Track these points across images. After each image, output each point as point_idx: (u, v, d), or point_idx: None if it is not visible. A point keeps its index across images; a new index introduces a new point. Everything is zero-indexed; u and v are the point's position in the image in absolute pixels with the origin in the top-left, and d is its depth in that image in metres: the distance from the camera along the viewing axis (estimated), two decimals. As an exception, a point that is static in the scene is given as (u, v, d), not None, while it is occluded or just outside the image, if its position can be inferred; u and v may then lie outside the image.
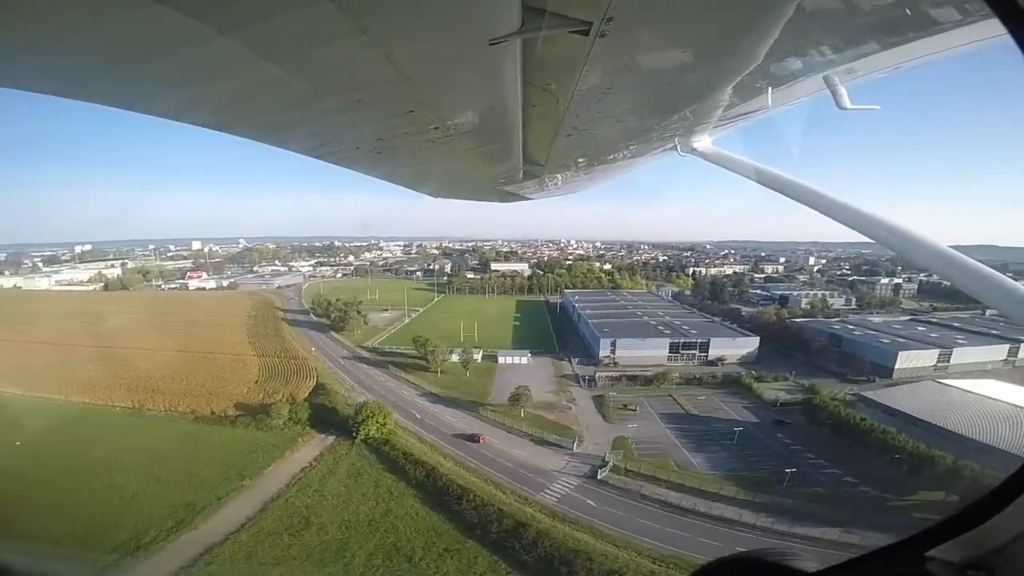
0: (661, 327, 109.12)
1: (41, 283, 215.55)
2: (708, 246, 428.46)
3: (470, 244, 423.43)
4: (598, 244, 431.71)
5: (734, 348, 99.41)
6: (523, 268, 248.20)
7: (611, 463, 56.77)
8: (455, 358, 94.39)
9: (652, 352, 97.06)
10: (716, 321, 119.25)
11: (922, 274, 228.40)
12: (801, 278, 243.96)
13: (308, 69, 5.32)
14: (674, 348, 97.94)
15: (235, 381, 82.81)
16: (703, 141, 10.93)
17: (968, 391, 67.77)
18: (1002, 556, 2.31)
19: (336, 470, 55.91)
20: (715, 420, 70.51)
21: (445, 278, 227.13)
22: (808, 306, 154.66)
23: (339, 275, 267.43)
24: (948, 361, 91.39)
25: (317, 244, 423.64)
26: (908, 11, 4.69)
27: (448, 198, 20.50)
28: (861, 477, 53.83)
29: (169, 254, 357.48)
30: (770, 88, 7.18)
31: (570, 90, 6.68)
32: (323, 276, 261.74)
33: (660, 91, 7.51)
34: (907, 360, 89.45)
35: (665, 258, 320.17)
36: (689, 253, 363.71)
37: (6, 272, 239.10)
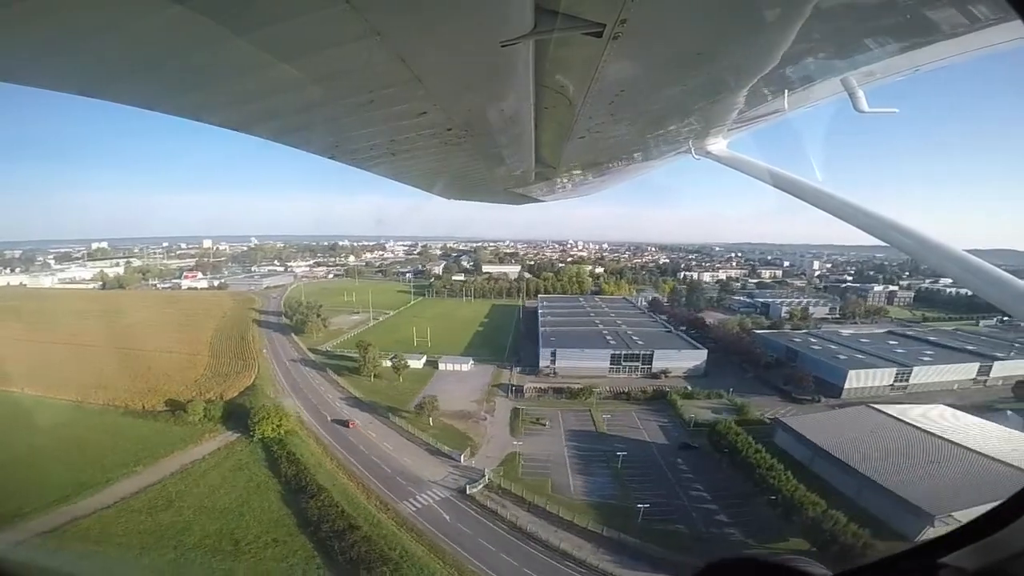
0: (609, 337, 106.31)
1: (45, 281, 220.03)
2: (717, 248, 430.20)
3: (476, 245, 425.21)
4: (605, 246, 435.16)
5: (680, 361, 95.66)
6: (514, 271, 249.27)
7: (487, 479, 56.57)
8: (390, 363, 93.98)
9: (593, 363, 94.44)
10: (673, 331, 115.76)
11: (927, 280, 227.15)
12: (798, 283, 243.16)
13: (323, 70, 5.37)
14: (615, 360, 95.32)
15: (178, 379, 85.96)
16: (718, 144, 10.89)
17: (901, 419, 61.96)
18: (1017, 564, 2.35)
19: (223, 464, 60.48)
20: (620, 440, 66.83)
21: (433, 280, 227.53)
22: (787, 315, 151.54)
23: (331, 276, 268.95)
24: (907, 380, 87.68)
25: (325, 243, 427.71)
26: (928, 13, 4.62)
27: (460, 199, 20.47)
28: (735, 518, 49.22)
29: (178, 252, 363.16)
30: (786, 91, 7.13)
31: (583, 92, 6.66)
32: (315, 277, 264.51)
33: (674, 93, 7.47)
34: (858, 379, 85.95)
35: (666, 261, 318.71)
36: (694, 256, 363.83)
37: (17, 269, 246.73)
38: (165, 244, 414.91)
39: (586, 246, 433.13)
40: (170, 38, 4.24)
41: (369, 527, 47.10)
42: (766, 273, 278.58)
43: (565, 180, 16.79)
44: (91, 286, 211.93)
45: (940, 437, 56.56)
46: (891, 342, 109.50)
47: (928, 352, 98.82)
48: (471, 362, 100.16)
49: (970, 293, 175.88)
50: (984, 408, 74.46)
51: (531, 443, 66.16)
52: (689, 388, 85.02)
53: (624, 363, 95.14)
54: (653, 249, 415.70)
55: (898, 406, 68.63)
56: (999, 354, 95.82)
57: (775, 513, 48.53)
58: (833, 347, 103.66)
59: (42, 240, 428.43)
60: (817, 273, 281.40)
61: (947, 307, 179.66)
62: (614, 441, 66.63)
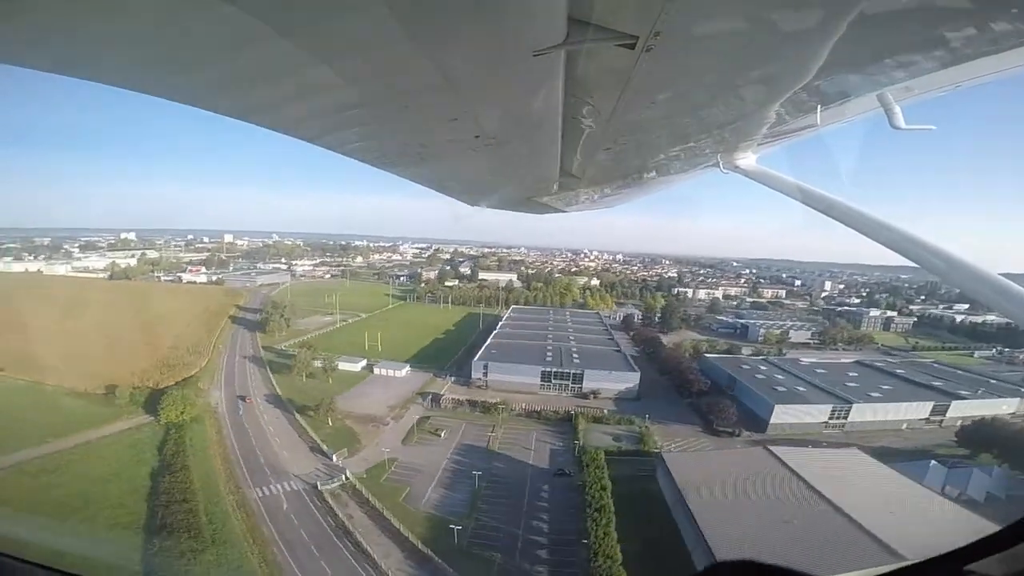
0: (549, 354, 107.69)
1: (60, 269, 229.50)
2: (735, 263, 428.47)
3: (488, 250, 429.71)
4: (619, 257, 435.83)
5: (611, 382, 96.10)
6: (509, 279, 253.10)
7: (343, 479, 60.35)
8: (342, 365, 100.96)
9: (525, 379, 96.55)
10: (620, 351, 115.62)
11: (941, 306, 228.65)
12: (799, 304, 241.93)
13: (362, 74, 5.48)
14: (546, 377, 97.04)
15: (129, 366, 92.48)
16: (747, 159, 10.77)
17: (788, 464, 56.45)
18: None
19: (121, 441, 68.14)
20: (504, 459, 68.49)
21: (417, 285, 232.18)
22: (762, 339, 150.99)
23: (328, 276, 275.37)
24: (845, 418, 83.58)
25: (343, 242, 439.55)
26: (970, 27, 4.50)
27: (483, 206, 20.53)
28: (552, 555, 49.08)
29: (196, 246, 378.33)
30: (819, 105, 7.02)
31: (612, 103, 6.63)
32: (313, 276, 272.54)
33: (705, 107, 7.44)
34: (786, 414, 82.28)
35: (673, 275, 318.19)
36: (707, 271, 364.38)
37: (41, 256, 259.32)
38: (190, 236, 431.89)
39: (599, 256, 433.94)
40: (219, 36, 4.34)
41: (207, 504, 53.89)
42: (769, 292, 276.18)
43: (589, 192, 16.68)
44: (101, 276, 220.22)
45: (815, 490, 50.96)
46: (851, 373, 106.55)
47: (886, 386, 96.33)
48: (407, 369, 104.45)
49: (978, 321, 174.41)
50: (916, 453, 73.85)
51: (416, 452, 69.54)
52: (605, 412, 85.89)
53: (554, 381, 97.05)
54: (667, 262, 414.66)
55: (807, 449, 66.46)
56: (963, 392, 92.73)
57: (577, 558, 46.93)
58: (780, 376, 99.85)
59: (76, 228, 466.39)
60: (825, 294, 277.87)
61: (950, 336, 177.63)
62: (497, 459, 68.64)
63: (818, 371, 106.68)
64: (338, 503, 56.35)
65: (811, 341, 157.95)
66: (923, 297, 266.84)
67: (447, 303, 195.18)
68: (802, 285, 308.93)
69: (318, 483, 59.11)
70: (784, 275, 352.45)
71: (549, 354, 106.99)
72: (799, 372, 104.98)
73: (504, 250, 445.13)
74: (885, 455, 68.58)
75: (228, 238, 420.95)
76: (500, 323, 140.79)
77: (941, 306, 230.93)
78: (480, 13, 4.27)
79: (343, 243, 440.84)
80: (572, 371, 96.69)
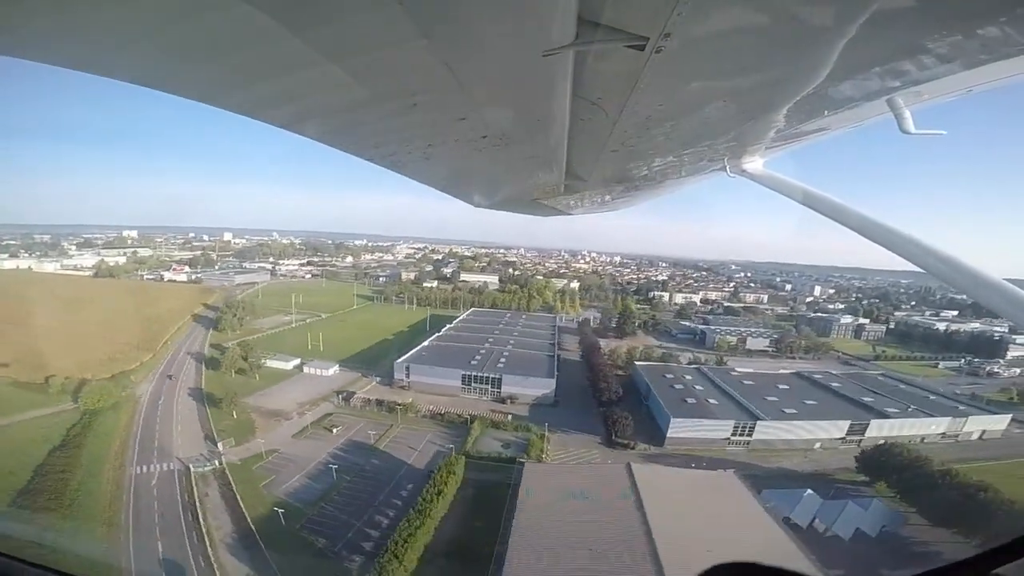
0: (478, 357, 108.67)
1: (49, 267, 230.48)
2: (734, 266, 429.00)
3: (486, 251, 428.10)
4: (617, 259, 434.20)
5: (528, 388, 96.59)
6: (487, 281, 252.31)
7: (215, 465, 65.29)
8: (272, 363, 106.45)
9: (446, 382, 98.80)
10: (553, 357, 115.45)
11: (927, 312, 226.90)
12: (779, 310, 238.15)
13: (372, 72, 5.44)
14: (466, 380, 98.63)
15: (75, 358, 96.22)
16: (754, 162, 10.75)
17: (637, 483, 54.11)
18: None
19: (38, 424, 73.11)
20: (384, 456, 70.85)
21: (397, 286, 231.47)
22: (716, 344, 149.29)
23: (308, 276, 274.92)
24: (749, 435, 78.71)
25: (338, 242, 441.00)
26: (982, 32, 4.49)
27: (488, 207, 20.49)
28: (380, 547, 48.63)
29: (194, 243, 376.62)
30: (828, 109, 7.05)
31: (620, 105, 6.61)
32: (293, 276, 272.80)
33: (714, 110, 7.42)
34: (684, 429, 78.01)
35: (664, 278, 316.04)
36: (700, 274, 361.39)
37: (36, 253, 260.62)
38: (191, 234, 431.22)
39: (596, 258, 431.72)
40: (232, 33, 4.35)
41: (84, 478, 59.74)
42: (751, 297, 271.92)
43: (595, 194, 16.72)
44: (87, 273, 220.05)
45: (642, 513, 48.58)
46: (781, 386, 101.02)
47: (811, 401, 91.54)
48: (335, 368, 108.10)
49: (955, 330, 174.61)
50: (813, 477, 69.31)
51: (303, 445, 73.54)
52: (509, 417, 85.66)
53: (474, 385, 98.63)
54: (664, 264, 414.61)
55: (677, 469, 63.33)
56: (891, 410, 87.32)
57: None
58: (699, 387, 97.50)
59: (81, 224, 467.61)
60: (810, 299, 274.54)
61: (922, 345, 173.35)
62: (376, 457, 71.00)
63: (746, 382, 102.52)
64: (202, 483, 61.33)
65: (768, 349, 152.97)
66: (913, 303, 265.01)
67: (414, 304, 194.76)
68: (792, 289, 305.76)
69: (191, 465, 64.04)
70: (778, 279, 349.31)
71: (478, 358, 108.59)
72: (725, 383, 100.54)
73: (502, 251, 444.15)
74: (774, 479, 66.82)
75: (227, 236, 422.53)
76: (447, 326, 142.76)
77: (928, 312, 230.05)
78: (491, 12, 4.31)
79: (338, 242, 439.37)
80: (491, 375, 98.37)
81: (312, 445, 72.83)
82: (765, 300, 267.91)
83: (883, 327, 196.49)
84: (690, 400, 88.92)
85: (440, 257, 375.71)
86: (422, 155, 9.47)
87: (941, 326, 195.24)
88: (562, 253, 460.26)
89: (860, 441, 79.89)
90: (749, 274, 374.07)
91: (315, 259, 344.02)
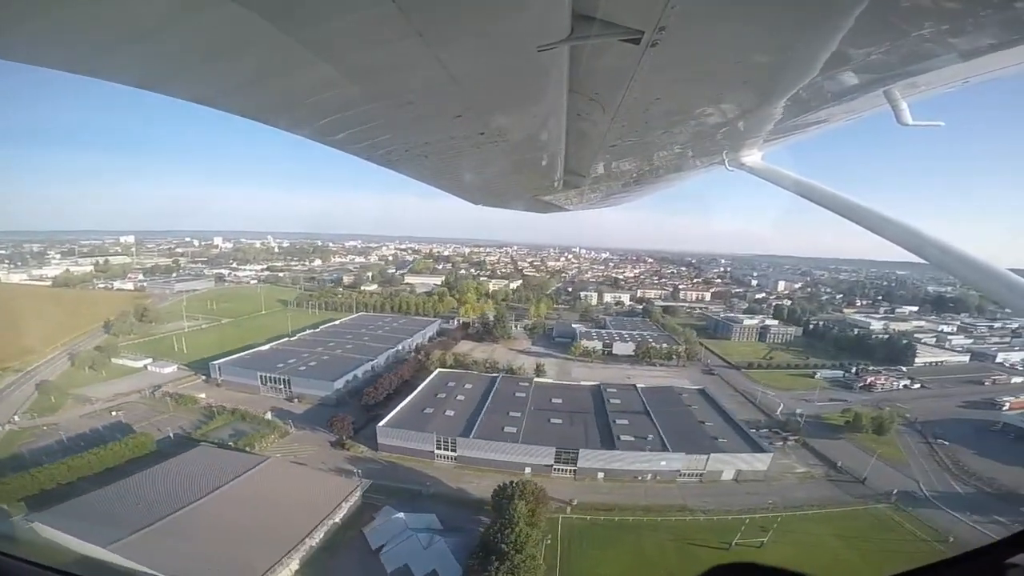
0: (292, 360, 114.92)
1: (15, 277, 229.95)
2: (723, 260, 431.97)
3: (471, 249, 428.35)
4: (603, 255, 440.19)
5: (313, 389, 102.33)
6: (434, 282, 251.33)
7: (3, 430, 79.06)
8: (125, 362, 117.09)
9: (248, 381, 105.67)
10: (358, 359, 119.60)
11: (883, 309, 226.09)
12: (714, 309, 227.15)
13: (367, 71, 5.37)
14: (264, 380, 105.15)
15: None
16: (752, 156, 10.86)
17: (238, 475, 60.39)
18: None
19: None
20: (124, 430, 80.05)
21: (320, 292, 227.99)
22: (571, 350, 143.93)
23: (253, 282, 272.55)
24: (453, 450, 75.24)
25: (335, 241, 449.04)
26: (978, 22, 4.54)
27: (487, 205, 20.33)
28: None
29: (178, 249, 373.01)
30: (826, 101, 7.10)
31: (617, 100, 6.57)
32: (238, 281, 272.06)
33: (711, 103, 7.44)
34: (391, 437, 77.71)
35: (631, 276, 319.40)
36: (680, 269, 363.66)
37: (18, 263, 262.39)
38: (187, 239, 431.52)
39: (583, 254, 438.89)
40: (224, 35, 4.30)
41: None
42: (693, 295, 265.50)
43: (593, 189, 16.76)
44: (45, 284, 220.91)
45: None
46: (555, 400, 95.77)
47: (556, 420, 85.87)
48: (174, 368, 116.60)
49: (864, 333, 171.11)
50: (444, 499, 64.99)
51: (79, 422, 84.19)
52: (267, 415, 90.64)
53: (270, 384, 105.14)
54: (650, 260, 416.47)
55: (310, 470, 67.86)
56: (626, 438, 77.70)
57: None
58: (460, 398, 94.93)
59: (80, 231, 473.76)
60: (762, 295, 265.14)
61: (831, 350, 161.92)
62: (119, 431, 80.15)
63: (518, 395, 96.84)
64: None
65: (635, 353, 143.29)
66: (881, 297, 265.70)
67: (324, 309, 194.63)
68: (756, 285, 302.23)
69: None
70: (756, 273, 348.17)
71: (292, 360, 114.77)
72: (484, 395, 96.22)
73: (487, 249, 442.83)
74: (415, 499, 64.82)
75: (217, 240, 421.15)
76: (306, 331, 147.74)
77: (884, 309, 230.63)
78: (484, 8, 4.25)
79: (323, 244, 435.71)
80: (284, 376, 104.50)
81: (87, 423, 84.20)
82: (708, 298, 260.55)
83: (800, 328, 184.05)
84: (428, 410, 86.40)
85: (411, 257, 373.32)
86: (420, 153, 9.34)
87: (878, 325, 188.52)
88: (550, 250, 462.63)
89: (575, 472, 72.23)
90: (729, 269, 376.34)
91: (279, 263, 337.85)
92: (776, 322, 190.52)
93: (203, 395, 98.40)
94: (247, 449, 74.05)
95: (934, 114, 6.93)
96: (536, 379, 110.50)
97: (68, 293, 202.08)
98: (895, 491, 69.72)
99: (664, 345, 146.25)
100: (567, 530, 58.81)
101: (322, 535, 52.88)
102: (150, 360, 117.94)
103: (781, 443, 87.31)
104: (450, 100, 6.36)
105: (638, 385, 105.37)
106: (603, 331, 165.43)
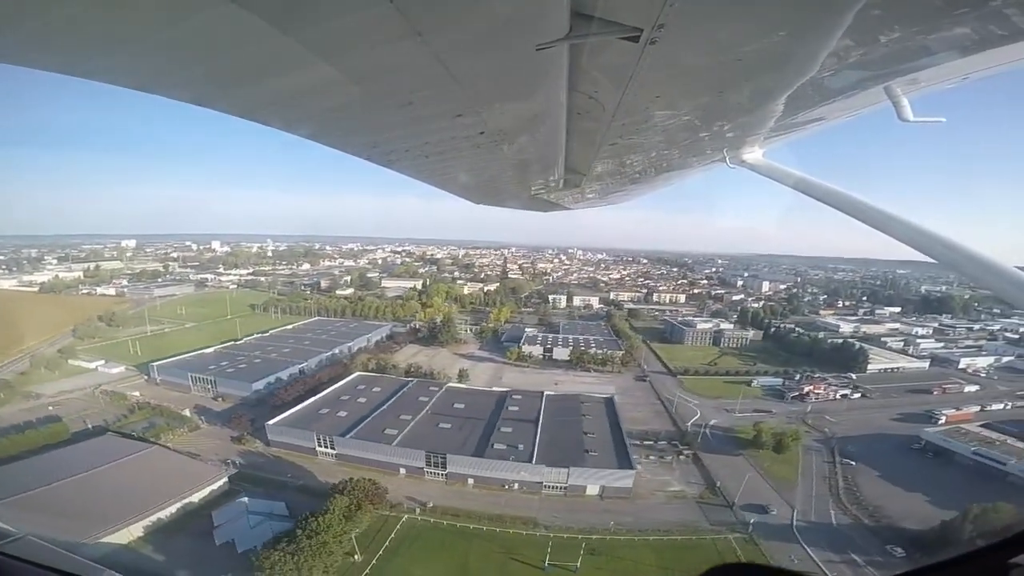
0: (224, 363, 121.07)
1: (4, 283, 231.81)
2: (719, 260, 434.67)
3: (465, 251, 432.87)
4: (602, 255, 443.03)
5: (235, 390, 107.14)
6: (411, 287, 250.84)
7: None
8: (80, 363, 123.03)
9: (182, 381, 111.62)
10: (289, 363, 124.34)
11: (861, 312, 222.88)
12: (683, 312, 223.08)
13: (367, 71, 5.34)
14: (194, 380, 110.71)
15: None
16: (753, 153, 10.84)
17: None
18: None
19: None
20: (44, 414, 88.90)
21: (291, 296, 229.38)
22: (507, 355, 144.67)
23: (232, 287, 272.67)
24: (333, 448, 79.68)
25: (315, 246, 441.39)
26: (978, 18, 4.57)
27: (487, 204, 20.31)
28: None
29: (171, 254, 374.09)
30: (826, 98, 7.12)
31: (616, 98, 6.57)
32: (218, 286, 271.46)
33: (711, 101, 7.44)
34: (279, 433, 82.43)
35: (617, 277, 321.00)
36: (671, 270, 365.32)
37: (14, 269, 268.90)
38: (188, 242, 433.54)
39: (573, 255, 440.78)
40: (223, 34, 4.29)
41: None
42: (667, 298, 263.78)
43: (594, 188, 16.85)
44: (32, 290, 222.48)
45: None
46: (458, 405, 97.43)
47: (445, 425, 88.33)
48: (122, 368, 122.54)
49: (821, 337, 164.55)
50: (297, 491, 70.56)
51: (15, 415, 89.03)
52: (187, 412, 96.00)
53: (199, 385, 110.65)
54: (645, 260, 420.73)
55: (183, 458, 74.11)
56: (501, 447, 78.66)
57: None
58: (361, 401, 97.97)
59: (84, 235, 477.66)
60: (737, 297, 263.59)
61: (785, 356, 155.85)
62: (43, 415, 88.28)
63: (421, 399, 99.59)
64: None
65: (570, 358, 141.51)
66: (865, 297, 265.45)
67: (288, 314, 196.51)
68: (742, 286, 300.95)
69: None
70: (746, 274, 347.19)
71: (224, 363, 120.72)
72: (392, 399, 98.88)
73: (481, 251, 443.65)
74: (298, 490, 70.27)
75: (215, 244, 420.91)
76: (254, 335, 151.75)
77: (863, 311, 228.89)
78: (483, 7, 4.26)
79: (317, 248, 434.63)
80: (210, 377, 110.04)
81: (22, 415, 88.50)
82: (682, 300, 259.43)
83: (760, 332, 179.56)
84: (323, 411, 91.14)
85: (403, 260, 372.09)
86: (420, 153, 9.32)
87: (848, 328, 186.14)
88: (547, 252, 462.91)
89: (446, 476, 74.43)
90: (721, 269, 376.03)
91: (267, 267, 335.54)
92: (732, 326, 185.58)
93: (137, 393, 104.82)
94: (152, 440, 79.91)
95: (935, 110, 6.91)
96: (449, 384, 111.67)
97: (50, 299, 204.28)
98: (752, 520, 64.66)
99: (603, 350, 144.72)
100: (406, 530, 61.10)
101: (174, 511, 60.93)
102: (103, 362, 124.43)
103: (671, 458, 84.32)
104: (450, 99, 6.33)
105: (545, 392, 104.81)
106: (551, 335, 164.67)
